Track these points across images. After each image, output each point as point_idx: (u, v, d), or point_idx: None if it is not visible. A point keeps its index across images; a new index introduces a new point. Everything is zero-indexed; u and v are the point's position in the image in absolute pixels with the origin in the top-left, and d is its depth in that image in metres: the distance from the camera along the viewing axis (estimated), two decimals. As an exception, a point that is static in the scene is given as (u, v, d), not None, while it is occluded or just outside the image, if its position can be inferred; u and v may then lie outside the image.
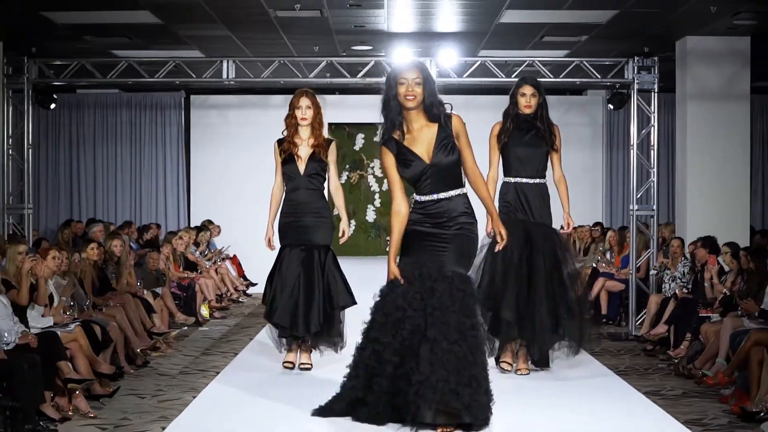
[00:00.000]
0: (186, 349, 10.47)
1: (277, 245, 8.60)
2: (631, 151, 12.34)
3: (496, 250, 6.56)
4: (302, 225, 8.30)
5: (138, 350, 9.64)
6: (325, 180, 8.43)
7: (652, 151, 12.47)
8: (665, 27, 12.10)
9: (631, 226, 12.14)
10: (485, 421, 6.03)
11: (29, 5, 11.07)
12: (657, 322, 10.74)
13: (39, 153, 15.82)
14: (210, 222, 16.19)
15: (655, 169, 12.44)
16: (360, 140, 19.48)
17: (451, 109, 6.34)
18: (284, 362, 8.50)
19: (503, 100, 8.41)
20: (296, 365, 8.46)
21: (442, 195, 6.23)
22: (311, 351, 8.57)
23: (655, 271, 11.81)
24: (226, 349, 10.34)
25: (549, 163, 8.28)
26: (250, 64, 13.24)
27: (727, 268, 10.17)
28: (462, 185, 6.31)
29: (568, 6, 11.07)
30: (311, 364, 8.48)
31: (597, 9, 11.20)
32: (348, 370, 6.48)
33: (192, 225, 16.46)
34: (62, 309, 8.53)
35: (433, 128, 6.22)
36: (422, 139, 6.23)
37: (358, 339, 6.45)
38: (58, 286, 8.69)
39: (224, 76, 13.36)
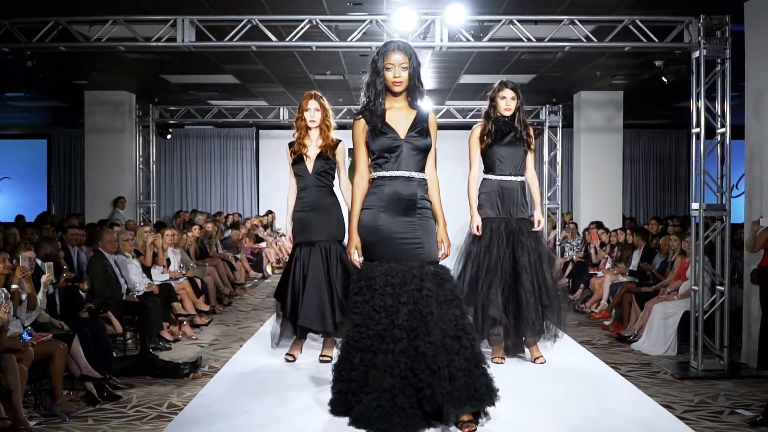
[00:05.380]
0: (256, 294, 10.42)
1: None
2: (544, 166, 12.31)
3: (440, 261, 4.19)
4: (313, 223, 5.67)
5: (224, 294, 9.58)
6: (334, 178, 5.77)
7: (557, 166, 12.47)
8: (566, 85, 12.01)
9: (544, 215, 12.09)
10: (495, 397, 4.01)
11: (153, 71, 10.97)
12: (560, 277, 10.67)
13: (160, 167, 15.73)
14: (272, 212, 16.18)
15: (559, 178, 12.46)
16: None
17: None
18: (287, 355, 5.71)
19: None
20: (297, 358, 5.73)
21: (409, 174, 4.13)
22: (334, 343, 5.71)
23: (560, 243, 11.74)
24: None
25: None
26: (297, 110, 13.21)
27: (606, 242, 10.13)
28: (424, 172, 4.23)
29: (503, 72, 10.98)
30: (332, 357, 5.37)
31: (522, 74, 11.10)
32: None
33: (261, 213, 16.44)
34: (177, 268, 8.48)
35: (412, 113, 4.20)
36: (400, 117, 4.18)
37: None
38: (172, 254, 8.61)
39: (281, 117, 13.39)
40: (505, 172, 5.67)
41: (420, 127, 4.19)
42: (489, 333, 5.61)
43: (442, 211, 4.26)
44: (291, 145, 5.81)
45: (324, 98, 5.84)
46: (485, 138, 5.70)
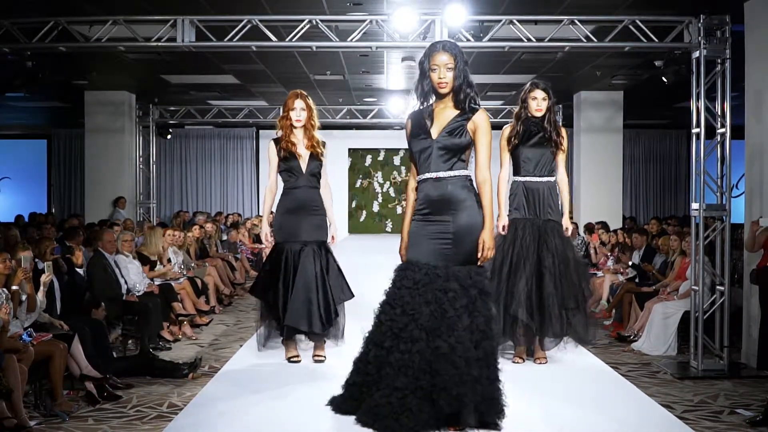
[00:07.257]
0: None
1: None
2: (545, 166, 12.31)
3: (479, 264, 4.09)
4: (304, 223, 5.67)
5: (224, 294, 9.57)
6: (320, 178, 5.78)
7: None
8: (567, 85, 12.00)
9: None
10: (502, 408, 4.05)
11: (153, 71, 10.98)
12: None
13: (160, 167, 15.78)
14: (272, 212, 16.10)
15: (559, 178, 12.49)
16: (368, 159, 19.27)
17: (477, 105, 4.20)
18: (290, 358, 5.72)
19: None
20: (297, 358, 5.75)
21: (442, 174, 4.08)
22: (324, 343, 5.81)
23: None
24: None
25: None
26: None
27: (606, 242, 10.14)
28: (465, 168, 4.15)
29: (503, 72, 11.01)
30: (325, 356, 5.73)
31: (521, 74, 11.10)
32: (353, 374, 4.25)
33: (260, 214, 16.43)
34: (178, 268, 8.44)
35: (453, 113, 4.13)
36: (440, 117, 4.14)
37: (358, 330, 4.46)
38: (173, 255, 8.59)
39: (280, 117, 13.33)
40: (529, 172, 5.68)
41: (454, 126, 4.11)
42: (514, 332, 5.61)
43: (491, 212, 4.11)
44: (277, 142, 5.75)
45: (309, 98, 5.80)
46: (512, 139, 5.73)
